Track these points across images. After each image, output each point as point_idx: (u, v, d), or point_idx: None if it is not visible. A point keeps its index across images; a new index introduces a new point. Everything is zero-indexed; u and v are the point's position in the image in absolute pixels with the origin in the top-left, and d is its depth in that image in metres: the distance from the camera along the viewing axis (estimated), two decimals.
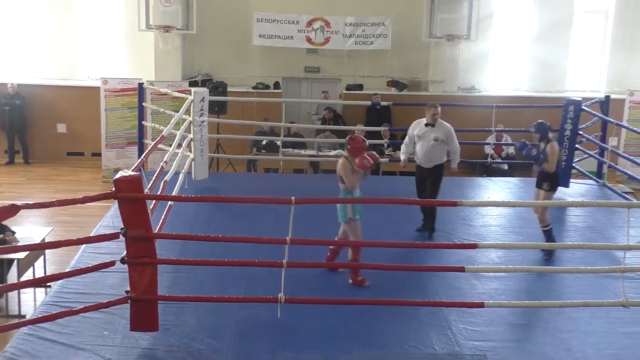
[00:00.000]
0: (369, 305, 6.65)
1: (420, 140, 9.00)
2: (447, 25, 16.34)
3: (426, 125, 8.96)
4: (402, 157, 9.32)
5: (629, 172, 11.56)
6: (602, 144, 11.76)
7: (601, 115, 11.64)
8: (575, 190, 11.48)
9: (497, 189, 11.75)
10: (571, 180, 11.51)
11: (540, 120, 8.59)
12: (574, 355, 6.15)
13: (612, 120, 11.52)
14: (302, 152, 14.31)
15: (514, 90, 17.44)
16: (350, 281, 7.35)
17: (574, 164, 11.51)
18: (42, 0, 16.79)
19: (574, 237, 9.32)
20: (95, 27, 17.13)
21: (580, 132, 11.48)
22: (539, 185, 8.67)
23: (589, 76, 17.87)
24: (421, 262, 7.86)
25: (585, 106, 11.45)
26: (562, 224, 9.96)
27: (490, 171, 14.84)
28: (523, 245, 8.52)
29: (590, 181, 11.96)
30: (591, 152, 11.91)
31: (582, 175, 12.06)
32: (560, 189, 11.28)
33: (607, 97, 12.01)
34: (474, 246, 7.14)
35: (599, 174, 12.04)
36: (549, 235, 8.42)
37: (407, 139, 9.31)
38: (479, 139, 14.03)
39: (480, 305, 6.65)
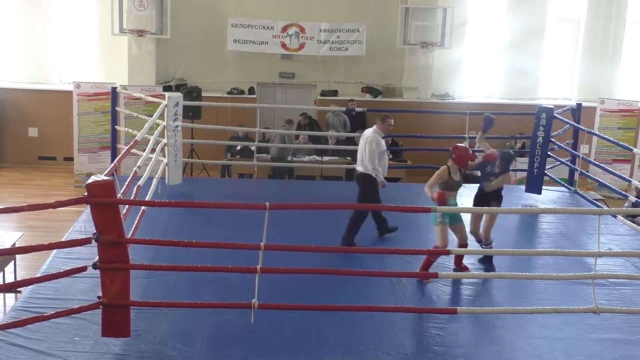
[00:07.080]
0: (342, 311, 6.65)
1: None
2: (421, 33, 16.43)
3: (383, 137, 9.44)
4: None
5: (599, 180, 11.66)
6: (573, 152, 11.87)
7: (573, 123, 11.75)
8: (547, 197, 11.59)
9: (470, 195, 11.77)
10: (543, 187, 11.62)
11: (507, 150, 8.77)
12: None
13: (583, 128, 11.62)
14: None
15: (487, 98, 17.55)
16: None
17: (546, 171, 11.61)
18: (13, 2, 16.63)
19: (546, 243, 9.41)
20: (68, 30, 17.00)
21: (552, 140, 11.58)
22: (485, 203, 8.71)
23: (561, 84, 18.07)
24: (394, 269, 7.89)
25: (557, 114, 11.55)
26: (534, 230, 10.05)
27: (464, 177, 14.83)
28: (495, 251, 8.56)
29: (562, 188, 12.07)
30: (563, 160, 12.01)
31: (553, 182, 12.16)
32: (533, 195, 11.45)
33: (579, 105, 12.15)
34: (447, 252, 7.19)
35: (570, 181, 12.15)
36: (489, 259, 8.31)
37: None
38: (452, 145, 14.05)
39: (453, 311, 6.69)
